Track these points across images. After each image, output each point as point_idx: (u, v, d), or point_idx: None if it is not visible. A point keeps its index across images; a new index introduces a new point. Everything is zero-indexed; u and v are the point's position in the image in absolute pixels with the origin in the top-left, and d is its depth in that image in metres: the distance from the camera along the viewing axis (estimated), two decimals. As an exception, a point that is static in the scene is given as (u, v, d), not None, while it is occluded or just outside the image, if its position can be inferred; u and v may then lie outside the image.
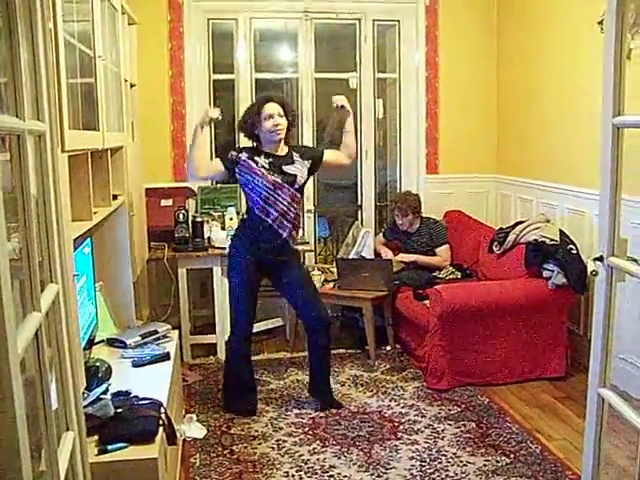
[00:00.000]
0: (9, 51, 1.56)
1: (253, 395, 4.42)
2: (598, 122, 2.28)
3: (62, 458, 1.70)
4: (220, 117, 4.23)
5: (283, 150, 4.24)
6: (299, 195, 4.22)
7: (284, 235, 4.18)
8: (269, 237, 4.18)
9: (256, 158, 4.15)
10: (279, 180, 4.12)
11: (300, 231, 4.39)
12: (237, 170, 4.16)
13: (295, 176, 4.17)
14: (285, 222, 4.17)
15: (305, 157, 4.26)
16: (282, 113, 4.12)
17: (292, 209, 4.18)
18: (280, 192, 4.13)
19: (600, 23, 4.22)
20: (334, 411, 4.34)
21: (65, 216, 2.11)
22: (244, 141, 4.55)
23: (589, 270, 2.25)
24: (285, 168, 4.17)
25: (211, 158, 4.50)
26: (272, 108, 4.10)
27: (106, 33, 3.61)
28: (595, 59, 4.43)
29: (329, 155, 4.38)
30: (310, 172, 4.29)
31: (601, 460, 2.35)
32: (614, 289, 2.18)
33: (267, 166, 4.14)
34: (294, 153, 4.25)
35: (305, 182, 4.28)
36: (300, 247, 5.00)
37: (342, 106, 4.35)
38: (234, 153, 4.18)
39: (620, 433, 3.53)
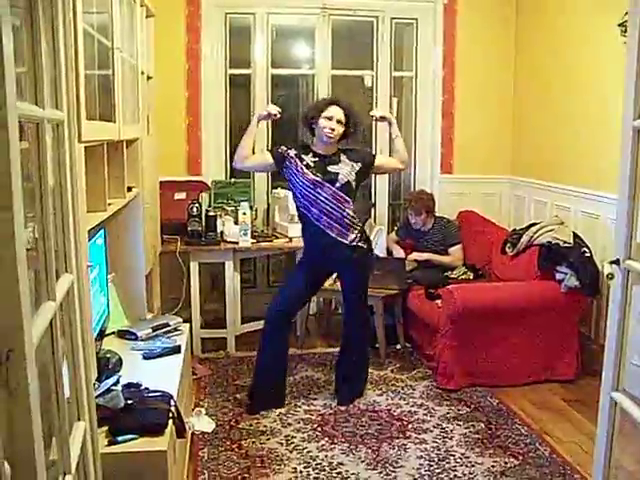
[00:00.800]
0: (30, 40, 1.56)
1: (282, 385, 4.46)
2: (615, 125, 2.27)
3: (74, 447, 1.71)
4: (279, 115, 4.31)
5: (331, 151, 4.28)
6: (341, 194, 4.19)
7: (333, 235, 4.20)
8: (317, 236, 4.24)
9: (303, 156, 4.23)
10: (319, 179, 4.16)
11: (360, 234, 4.32)
12: (284, 165, 4.24)
13: (337, 174, 4.19)
14: (332, 222, 4.19)
15: (352, 159, 4.28)
16: (343, 120, 4.17)
17: (337, 209, 4.18)
18: (320, 190, 4.17)
19: (620, 25, 4.20)
20: (343, 408, 4.34)
21: (81, 206, 2.11)
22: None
23: (605, 273, 2.24)
24: (329, 167, 4.22)
25: (253, 152, 4.50)
26: (334, 112, 4.17)
27: (124, 25, 3.61)
28: (614, 60, 4.42)
29: (381, 159, 4.48)
30: (361, 175, 4.30)
31: (611, 464, 2.34)
32: (630, 292, 2.17)
33: (311, 164, 4.20)
34: (342, 154, 4.28)
35: (351, 183, 4.24)
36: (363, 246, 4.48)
37: (382, 117, 4.46)
38: (284, 148, 4.27)
39: (630, 437, 3.50)
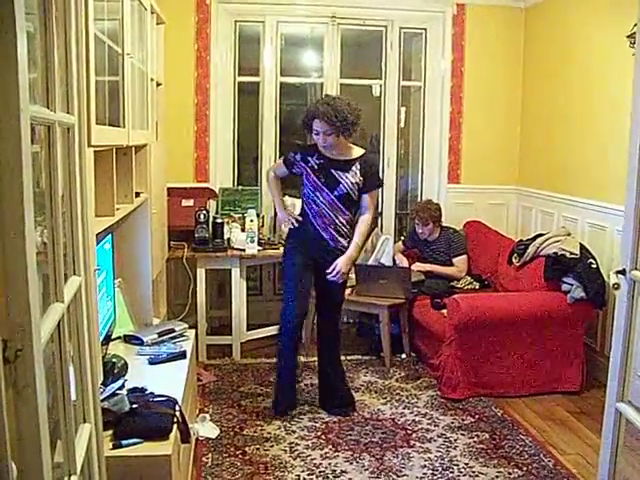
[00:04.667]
0: (43, 45, 1.58)
1: (292, 391, 4.47)
2: (623, 136, 2.27)
3: (79, 449, 1.72)
4: (291, 225, 4.37)
5: (347, 154, 4.26)
6: (338, 203, 4.20)
7: (325, 236, 4.23)
8: (314, 235, 4.26)
9: (308, 158, 4.26)
10: (319, 182, 4.19)
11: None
12: (294, 168, 4.34)
13: (339, 183, 4.19)
14: (327, 225, 4.22)
15: (363, 173, 4.23)
16: (329, 131, 4.10)
17: (331, 215, 4.21)
18: (319, 194, 4.20)
19: (629, 37, 4.20)
20: (347, 416, 4.34)
21: (89, 210, 2.13)
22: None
23: (611, 283, 2.24)
24: (333, 171, 4.21)
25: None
26: (318, 126, 4.12)
27: (134, 32, 3.64)
28: (622, 73, 4.43)
29: (373, 196, 4.35)
30: (360, 189, 4.25)
31: (616, 475, 2.34)
32: (636, 302, 2.17)
33: (316, 166, 4.23)
34: (356, 164, 4.23)
35: (351, 195, 4.21)
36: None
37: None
38: (292, 154, 4.36)
39: (635, 451, 3.50)
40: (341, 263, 4.19)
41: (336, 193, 4.19)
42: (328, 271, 4.19)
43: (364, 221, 4.31)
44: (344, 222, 4.25)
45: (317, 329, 4.58)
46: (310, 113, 4.18)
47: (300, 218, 4.33)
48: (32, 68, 1.44)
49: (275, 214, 5.55)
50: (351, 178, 4.20)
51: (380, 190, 6.25)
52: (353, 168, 4.22)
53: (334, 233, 4.24)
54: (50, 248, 1.61)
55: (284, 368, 4.41)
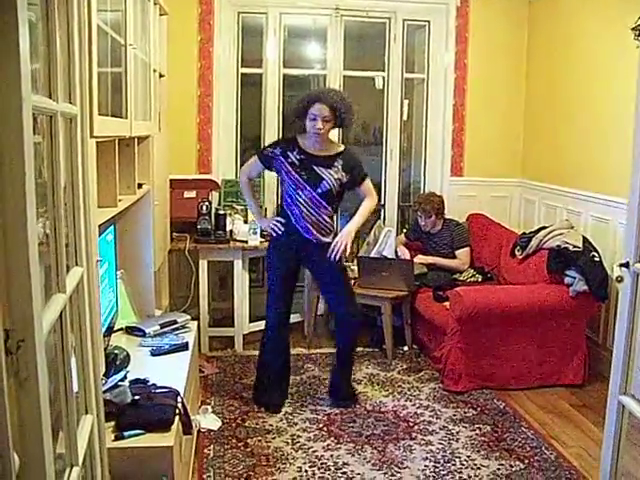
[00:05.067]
0: (45, 35, 1.57)
1: (279, 391, 4.42)
2: (627, 129, 2.26)
3: (81, 440, 1.72)
4: (275, 233, 4.24)
5: (329, 150, 4.18)
6: (320, 200, 4.12)
7: (309, 237, 4.17)
8: (297, 238, 4.19)
9: (288, 152, 4.15)
10: (301, 179, 4.10)
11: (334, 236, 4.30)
12: (272, 164, 4.22)
13: (321, 179, 4.11)
14: (309, 225, 4.15)
15: (346, 169, 4.17)
16: (328, 117, 4.03)
17: (314, 213, 4.14)
18: (301, 192, 4.11)
19: (634, 29, 4.18)
20: (349, 408, 4.34)
21: (92, 201, 2.12)
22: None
23: (614, 276, 2.24)
24: (315, 167, 4.13)
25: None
26: (318, 110, 4.02)
27: (137, 23, 3.63)
28: (627, 66, 4.41)
29: (364, 188, 4.29)
30: (344, 187, 4.20)
31: (618, 468, 2.34)
32: (639, 295, 2.17)
33: (297, 162, 4.12)
34: (338, 159, 4.17)
35: (333, 191, 4.15)
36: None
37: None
38: (269, 149, 4.24)
39: (638, 444, 3.50)
40: (338, 240, 4.15)
41: (319, 190, 4.11)
42: (328, 255, 4.14)
43: (365, 206, 4.30)
44: (326, 219, 4.20)
45: (335, 320, 4.51)
46: (311, 96, 4.11)
47: (283, 221, 4.21)
48: (34, 58, 1.44)
49: (276, 206, 5.55)
50: (334, 174, 4.13)
51: (382, 181, 6.28)
52: (335, 164, 4.15)
53: (317, 233, 4.17)
54: (52, 239, 1.61)
55: (269, 370, 4.40)
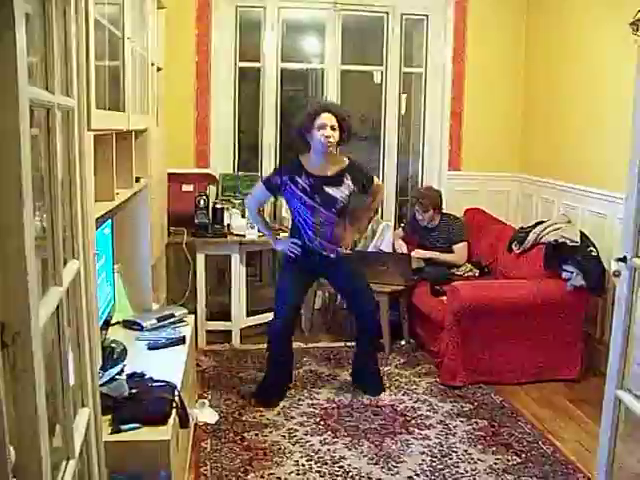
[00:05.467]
0: (42, 27, 1.56)
1: (278, 385, 4.45)
2: (624, 125, 2.26)
3: (77, 433, 1.71)
4: (294, 254, 4.26)
5: (334, 167, 4.18)
6: (337, 218, 4.19)
7: (324, 253, 4.23)
8: (309, 252, 4.23)
9: (297, 179, 4.14)
10: (316, 205, 4.12)
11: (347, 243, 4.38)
12: (280, 191, 4.23)
13: (335, 200, 4.15)
14: (324, 241, 4.20)
15: (355, 182, 4.20)
16: (336, 126, 4.05)
17: (330, 230, 4.18)
18: (317, 215, 4.15)
19: (632, 24, 4.18)
20: (346, 402, 4.35)
21: (89, 194, 2.12)
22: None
23: (612, 270, 2.24)
24: (327, 189, 4.14)
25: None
26: (326, 118, 4.03)
27: (135, 16, 3.62)
28: (625, 59, 4.40)
29: (375, 187, 4.39)
30: (353, 195, 4.26)
31: (615, 463, 2.34)
32: (636, 290, 2.17)
33: (307, 188, 4.12)
34: (347, 175, 4.19)
35: (345, 205, 4.22)
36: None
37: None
38: (276, 177, 4.20)
39: (635, 438, 3.50)
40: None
41: (334, 210, 4.16)
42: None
43: (374, 202, 4.48)
44: (341, 230, 4.27)
45: (355, 315, 4.56)
46: (317, 107, 4.12)
47: (299, 242, 4.23)
48: (31, 51, 1.43)
49: (273, 202, 5.56)
50: (345, 191, 4.17)
51: (380, 174, 6.28)
52: (345, 180, 4.17)
53: (331, 246, 4.23)
54: (49, 232, 1.60)
55: (274, 368, 4.44)
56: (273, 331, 4.36)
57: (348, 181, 4.17)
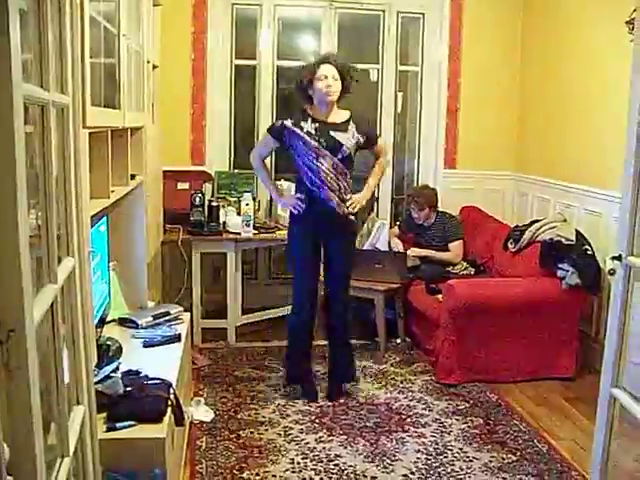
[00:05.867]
0: (37, 24, 1.56)
1: (309, 377, 4.48)
2: (620, 123, 2.26)
3: (72, 431, 1.71)
4: (297, 210, 4.21)
5: (339, 117, 4.19)
6: (342, 165, 4.09)
7: (332, 204, 4.11)
8: (316, 204, 4.14)
9: (302, 124, 4.12)
10: (321, 147, 4.07)
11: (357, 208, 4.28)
12: (284, 137, 4.16)
13: (341, 144, 4.10)
14: (332, 193, 4.10)
15: (360, 130, 4.19)
16: (337, 77, 4.06)
17: (337, 180, 4.09)
18: (323, 160, 4.07)
19: (628, 23, 4.18)
20: (342, 401, 4.35)
21: (84, 191, 2.12)
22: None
23: (607, 268, 2.24)
24: (332, 133, 4.12)
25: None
26: (327, 70, 4.04)
27: (131, 13, 3.61)
28: (621, 58, 4.40)
29: (380, 145, 4.39)
30: (359, 148, 4.23)
31: (609, 460, 2.35)
32: (632, 288, 2.17)
33: (312, 131, 4.10)
34: (352, 123, 4.18)
35: (352, 155, 4.17)
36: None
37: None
38: (279, 122, 4.20)
39: (629, 436, 3.50)
40: (355, 198, 4.21)
41: (340, 156, 4.09)
42: (347, 205, 4.16)
43: (379, 163, 4.39)
44: (346, 186, 4.16)
45: (325, 307, 4.49)
46: (317, 60, 4.16)
47: (303, 197, 4.17)
48: (25, 47, 1.43)
49: (271, 198, 5.54)
50: (351, 138, 4.15)
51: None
52: (350, 127, 4.16)
53: (339, 199, 4.13)
54: (44, 230, 1.60)
55: (296, 353, 4.45)
56: (296, 322, 4.38)
57: (353, 129, 4.16)
